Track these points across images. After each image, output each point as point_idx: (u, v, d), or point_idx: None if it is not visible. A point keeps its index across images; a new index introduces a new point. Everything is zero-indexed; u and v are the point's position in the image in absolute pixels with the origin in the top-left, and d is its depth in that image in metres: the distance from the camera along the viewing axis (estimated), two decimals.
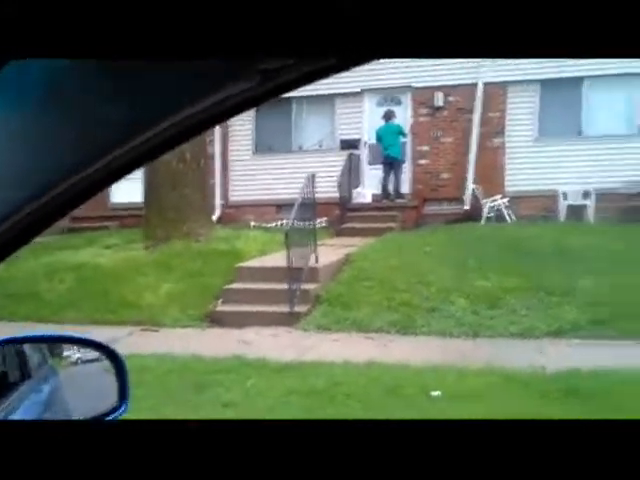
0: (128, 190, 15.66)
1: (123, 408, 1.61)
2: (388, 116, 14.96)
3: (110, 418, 1.58)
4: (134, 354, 7.32)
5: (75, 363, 1.87)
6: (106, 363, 1.69)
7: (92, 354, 1.76)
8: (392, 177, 14.90)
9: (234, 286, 9.78)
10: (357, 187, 15.47)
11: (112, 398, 1.64)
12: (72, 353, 1.86)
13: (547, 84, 14.87)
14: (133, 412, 5.87)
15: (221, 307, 9.39)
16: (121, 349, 6.69)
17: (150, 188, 11.79)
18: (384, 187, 14.99)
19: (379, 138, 14.94)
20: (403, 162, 15.14)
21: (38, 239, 1.08)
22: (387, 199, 14.93)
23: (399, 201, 14.86)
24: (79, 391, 1.98)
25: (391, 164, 14.84)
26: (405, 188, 15.49)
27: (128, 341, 8.21)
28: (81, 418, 1.69)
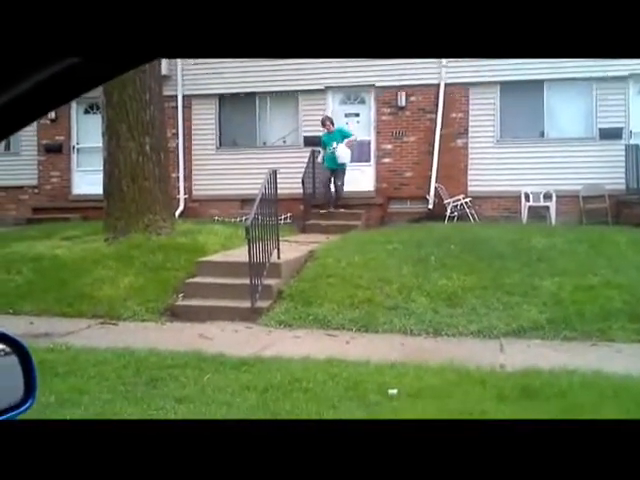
0: (90, 181, 15.47)
1: (30, 403, 1.53)
2: (324, 123, 14.49)
3: (15, 413, 1.50)
4: (92, 348, 7.22)
5: None
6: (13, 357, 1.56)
7: None
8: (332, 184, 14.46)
9: (195, 280, 9.70)
10: None
11: (18, 393, 1.53)
12: None
13: (507, 86, 15.01)
14: (88, 406, 5.75)
15: (181, 301, 9.30)
16: (78, 342, 6.55)
17: (110, 180, 11.61)
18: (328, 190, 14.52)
19: (323, 145, 14.51)
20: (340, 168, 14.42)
21: None
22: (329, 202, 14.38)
23: (334, 210, 14.24)
24: None
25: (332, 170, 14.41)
26: (369, 186, 15.53)
27: (86, 334, 8.09)
28: None
